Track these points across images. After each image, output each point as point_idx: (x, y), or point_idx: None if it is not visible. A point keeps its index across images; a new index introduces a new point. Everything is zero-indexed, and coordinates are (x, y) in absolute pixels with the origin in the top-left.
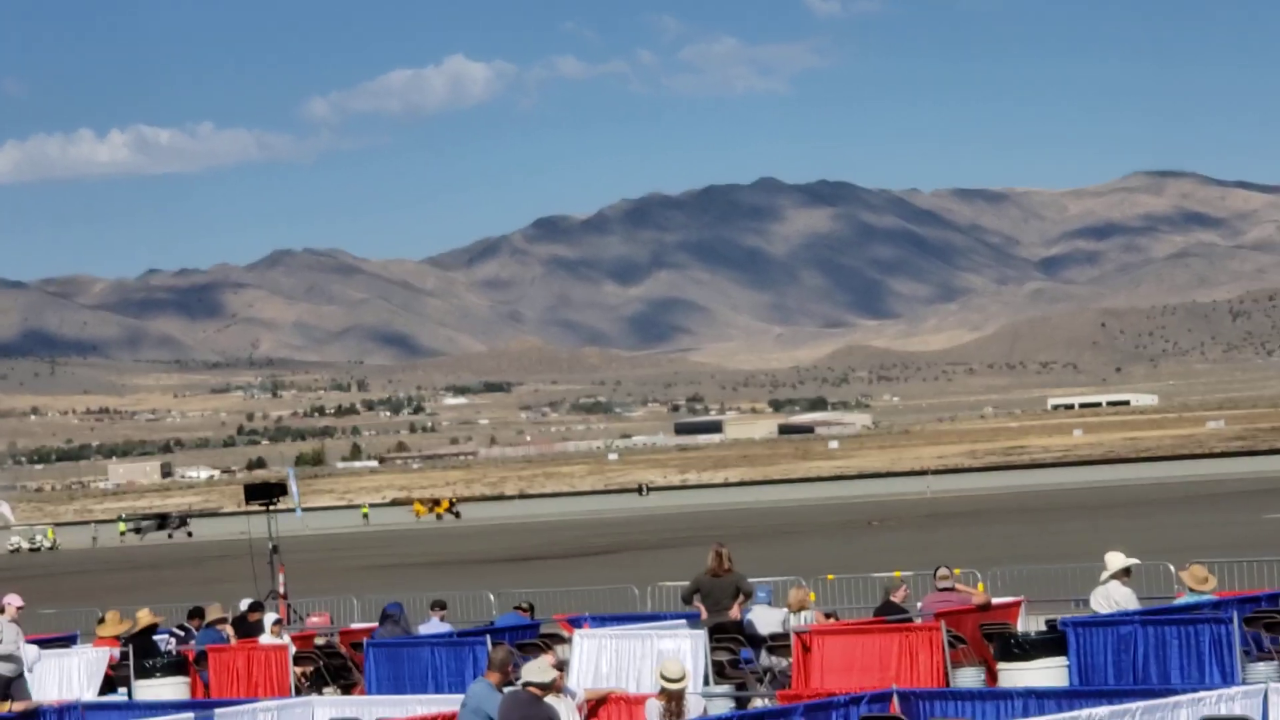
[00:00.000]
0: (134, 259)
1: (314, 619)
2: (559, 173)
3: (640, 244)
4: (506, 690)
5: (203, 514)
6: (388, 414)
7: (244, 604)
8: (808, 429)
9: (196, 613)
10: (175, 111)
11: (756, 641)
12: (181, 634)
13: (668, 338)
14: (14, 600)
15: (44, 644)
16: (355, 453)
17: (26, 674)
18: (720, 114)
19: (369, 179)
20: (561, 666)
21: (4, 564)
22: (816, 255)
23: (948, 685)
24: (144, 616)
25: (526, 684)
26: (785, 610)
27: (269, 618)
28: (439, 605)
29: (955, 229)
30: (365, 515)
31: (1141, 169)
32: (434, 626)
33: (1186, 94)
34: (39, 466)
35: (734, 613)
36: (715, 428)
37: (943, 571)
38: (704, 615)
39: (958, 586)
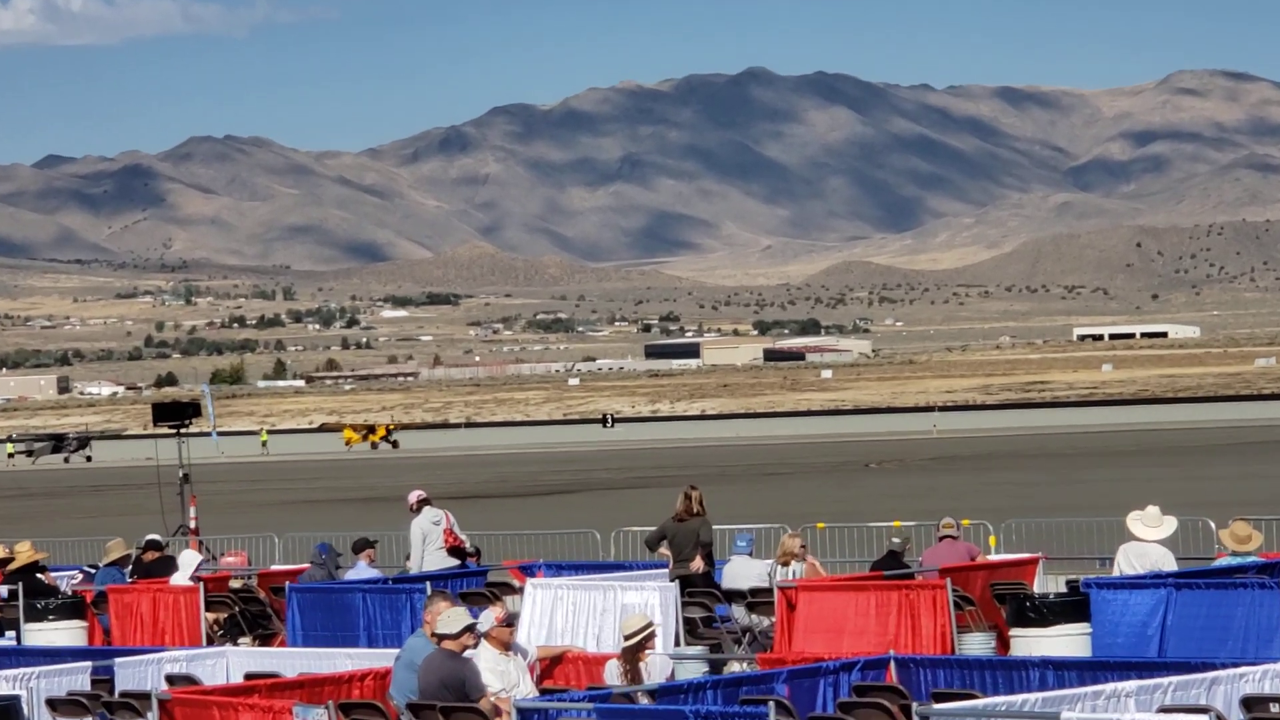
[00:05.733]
0: (32, 143)
1: (229, 559)
2: (518, 57)
3: (610, 138)
4: (424, 655)
5: (104, 435)
6: (317, 327)
7: (144, 540)
8: (797, 355)
9: (154, 545)
10: None
11: (735, 597)
12: (92, 571)
13: (643, 248)
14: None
15: None
16: (279, 370)
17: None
18: None
19: (305, 58)
20: (511, 620)
21: None
22: (811, 156)
23: (953, 652)
24: (24, 551)
25: (440, 637)
26: (770, 562)
27: (190, 556)
28: (366, 544)
29: (970, 131)
30: (264, 443)
31: (1188, 67)
32: (361, 571)
33: None
34: None
35: (695, 564)
36: (692, 351)
37: (947, 521)
38: (671, 565)
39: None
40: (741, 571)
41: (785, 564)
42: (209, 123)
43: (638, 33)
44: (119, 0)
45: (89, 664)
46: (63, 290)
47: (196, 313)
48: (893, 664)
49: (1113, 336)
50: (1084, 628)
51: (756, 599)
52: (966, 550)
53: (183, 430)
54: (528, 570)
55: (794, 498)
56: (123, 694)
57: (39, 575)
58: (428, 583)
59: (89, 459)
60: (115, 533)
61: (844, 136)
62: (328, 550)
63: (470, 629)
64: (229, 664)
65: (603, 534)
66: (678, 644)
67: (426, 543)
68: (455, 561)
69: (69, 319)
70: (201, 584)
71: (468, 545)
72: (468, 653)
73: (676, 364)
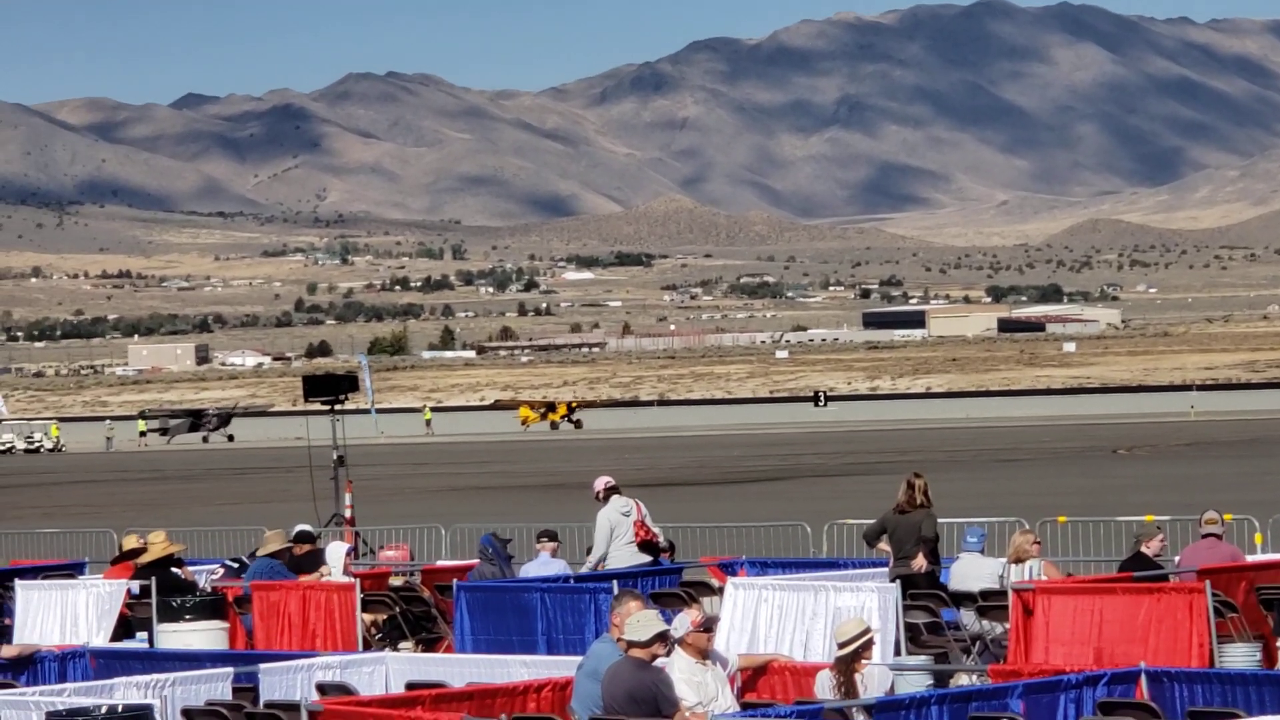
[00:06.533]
0: (170, 80)
1: (389, 553)
2: None
3: (827, 77)
4: (610, 663)
5: (248, 412)
6: (490, 291)
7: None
8: (1036, 326)
9: (305, 537)
10: None
11: (963, 600)
12: (234, 565)
13: (863, 203)
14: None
15: (45, 572)
16: (447, 339)
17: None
18: None
19: None
20: (709, 625)
21: None
22: (1055, 100)
23: (1213, 665)
24: (159, 542)
25: (628, 644)
26: (1003, 561)
27: (337, 548)
28: (548, 536)
29: (1237, 71)
30: (429, 422)
31: None
32: (544, 565)
33: None
34: (40, 345)
35: (918, 562)
36: (916, 321)
37: (1210, 515)
38: (891, 563)
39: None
40: (971, 571)
41: (1019, 562)
42: (369, 58)
43: None
44: None
45: (230, 670)
46: (203, 247)
47: (354, 273)
48: (1144, 678)
49: None
50: None
51: (988, 602)
52: (1230, 553)
53: (337, 407)
54: (728, 568)
55: (1031, 488)
56: (268, 704)
57: (175, 570)
58: (615, 581)
59: (231, 438)
60: (259, 522)
61: (1093, 77)
62: (493, 542)
63: (663, 635)
64: (388, 672)
65: (813, 527)
66: (898, 653)
67: (614, 536)
68: (647, 558)
69: (210, 280)
70: (358, 581)
71: (661, 540)
72: (659, 661)
73: (899, 335)
